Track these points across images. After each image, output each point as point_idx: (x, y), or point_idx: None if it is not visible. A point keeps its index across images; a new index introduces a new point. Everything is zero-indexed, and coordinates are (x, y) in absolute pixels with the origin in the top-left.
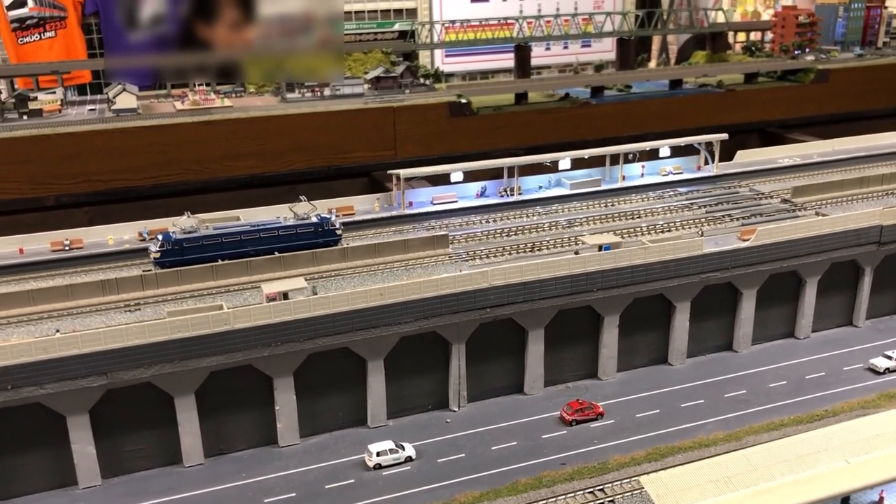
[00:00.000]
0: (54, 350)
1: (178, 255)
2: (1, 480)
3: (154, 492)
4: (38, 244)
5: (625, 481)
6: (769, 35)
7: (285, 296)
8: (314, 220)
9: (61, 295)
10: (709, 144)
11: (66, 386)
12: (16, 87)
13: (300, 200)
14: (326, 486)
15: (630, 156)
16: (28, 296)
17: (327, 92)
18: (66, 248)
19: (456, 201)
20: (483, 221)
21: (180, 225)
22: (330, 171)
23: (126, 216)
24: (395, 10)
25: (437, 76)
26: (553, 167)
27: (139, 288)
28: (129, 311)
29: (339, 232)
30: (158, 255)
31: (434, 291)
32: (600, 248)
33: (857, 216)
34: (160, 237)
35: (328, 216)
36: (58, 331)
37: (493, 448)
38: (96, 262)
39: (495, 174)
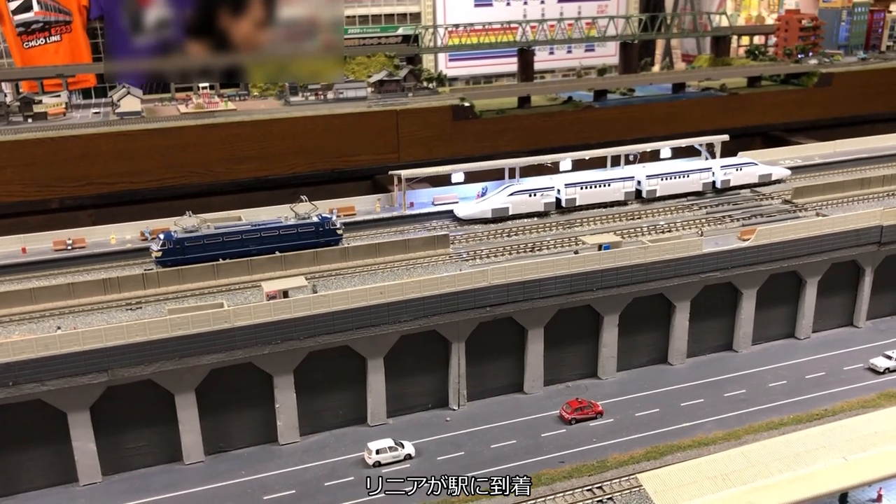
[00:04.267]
0: (55, 347)
1: (180, 254)
2: (2, 477)
3: (154, 489)
4: (42, 244)
5: (623, 479)
6: (773, 39)
7: (285, 294)
8: (315, 219)
9: (63, 293)
10: (710, 146)
11: (68, 383)
12: (21, 90)
13: (301, 201)
14: (326, 484)
15: (631, 157)
16: (30, 294)
17: (330, 95)
18: (69, 247)
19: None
20: (484, 222)
21: (182, 224)
22: (333, 175)
23: (130, 219)
24: (398, 15)
25: (441, 80)
26: (554, 168)
27: (140, 287)
28: (131, 309)
29: (339, 232)
30: (160, 254)
31: (434, 290)
32: (600, 247)
33: (858, 216)
34: (162, 236)
35: (329, 216)
36: (59, 328)
37: (492, 446)
38: (98, 262)
39: (497, 175)
